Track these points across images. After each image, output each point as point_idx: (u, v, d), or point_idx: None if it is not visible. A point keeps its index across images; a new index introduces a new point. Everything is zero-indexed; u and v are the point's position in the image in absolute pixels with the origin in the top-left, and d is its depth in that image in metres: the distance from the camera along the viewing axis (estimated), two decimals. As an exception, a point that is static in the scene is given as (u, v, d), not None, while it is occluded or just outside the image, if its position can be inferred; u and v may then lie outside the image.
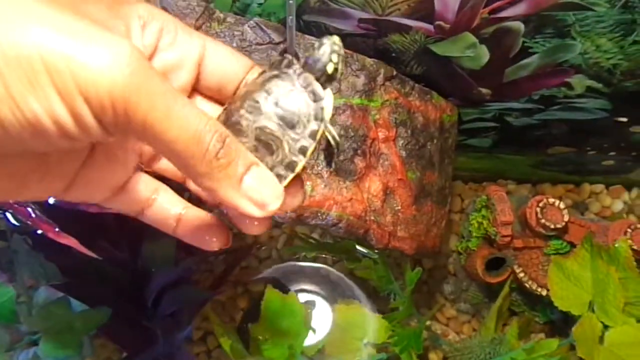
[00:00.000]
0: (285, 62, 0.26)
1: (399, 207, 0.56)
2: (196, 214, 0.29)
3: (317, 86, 0.26)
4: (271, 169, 0.25)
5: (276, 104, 0.25)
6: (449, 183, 0.65)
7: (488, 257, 0.68)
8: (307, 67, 0.26)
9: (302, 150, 0.25)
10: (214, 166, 0.22)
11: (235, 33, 0.51)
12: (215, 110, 0.28)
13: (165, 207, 0.28)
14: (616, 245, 0.57)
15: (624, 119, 0.67)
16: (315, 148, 0.26)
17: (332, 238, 0.71)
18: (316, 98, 0.25)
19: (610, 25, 0.52)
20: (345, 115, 0.52)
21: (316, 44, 0.27)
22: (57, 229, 0.50)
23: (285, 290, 0.65)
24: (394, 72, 0.57)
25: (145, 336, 0.59)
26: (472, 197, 0.78)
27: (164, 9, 0.48)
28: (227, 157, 0.22)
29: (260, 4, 0.53)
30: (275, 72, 0.26)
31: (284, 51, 0.52)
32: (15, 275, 0.64)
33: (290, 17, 0.48)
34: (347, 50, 0.54)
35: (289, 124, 0.25)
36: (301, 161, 0.25)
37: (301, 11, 0.53)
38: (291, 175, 0.25)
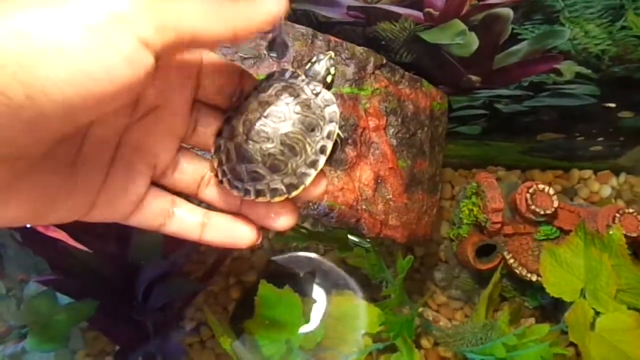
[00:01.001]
0: (288, 73, 0.29)
1: (391, 196, 0.56)
2: (220, 217, 0.30)
3: (326, 93, 0.29)
4: (296, 168, 0.28)
5: (296, 111, 0.28)
6: (439, 171, 0.65)
7: (478, 243, 0.68)
8: (308, 78, 0.30)
9: (322, 150, 0.29)
10: (231, 17, 0.23)
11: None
12: (216, 114, 0.30)
13: (187, 216, 0.29)
14: (610, 232, 0.58)
15: (613, 105, 0.67)
16: (332, 146, 0.29)
17: (323, 227, 0.71)
18: (328, 103, 0.29)
19: (599, 11, 0.52)
20: (336, 104, 0.52)
21: (314, 59, 0.30)
22: (45, 223, 0.49)
23: (279, 283, 0.65)
24: (384, 61, 0.56)
25: (137, 329, 0.59)
26: (463, 184, 0.79)
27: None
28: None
29: None
30: (284, 84, 0.29)
31: (273, 40, 0.52)
32: (4, 269, 0.63)
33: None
34: (336, 39, 0.53)
35: (309, 127, 0.28)
36: (322, 159, 0.29)
37: (289, -1, 0.53)
38: (314, 172, 0.29)
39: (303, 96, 0.28)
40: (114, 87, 0.20)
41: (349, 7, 0.54)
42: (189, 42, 0.22)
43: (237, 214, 0.30)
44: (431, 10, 0.53)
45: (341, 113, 0.52)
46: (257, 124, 0.28)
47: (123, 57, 0.20)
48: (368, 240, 0.63)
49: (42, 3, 0.19)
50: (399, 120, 0.57)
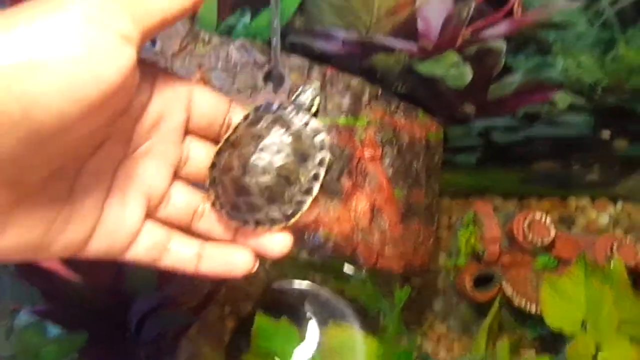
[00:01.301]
0: (275, 105, 0.30)
1: (387, 226, 0.56)
2: (215, 247, 0.30)
3: (314, 122, 0.30)
4: (292, 196, 0.29)
5: (288, 143, 0.29)
6: (435, 200, 0.65)
7: (476, 273, 0.68)
8: (295, 108, 0.31)
9: (316, 177, 0.30)
10: None
11: (221, 54, 0.51)
12: (207, 147, 0.30)
13: (182, 249, 0.30)
14: (611, 264, 0.57)
15: (607, 134, 0.68)
16: (325, 172, 0.30)
17: (320, 258, 0.71)
18: (317, 132, 0.30)
19: (590, 43, 0.53)
20: (332, 135, 0.52)
21: (300, 89, 0.32)
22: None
23: (276, 314, 0.64)
24: (379, 91, 0.57)
25: (131, 361, 0.58)
26: (460, 214, 0.79)
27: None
28: None
29: (246, 25, 0.54)
30: (274, 116, 0.30)
31: (269, 71, 0.52)
32: (-3, 300, 0.63)
33: (275, 38, 0.48)
34: (332, 70, 0.54)
35: (302, 158, 0.29)
36: (316, 186, 0.30)
37: (286, 32, 0.54)
38: (310, 199, 0.30)
39: (293, 127, 0.29)
40: (103, 88, 0.20)
41: (345, 40, 0.54)
42: (160, 24, 0.23)
43: (232, 243, 0.31)
44: (425, 42, 0.54)
45: (337, 143, 0.53)
46: (253, 157, 0.29)
47: (107, 56, 0.20)
48: (364, 270, 0.62)
49: (23, 18, 0.19)
50: (395, 150, 0.57)
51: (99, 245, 0.27)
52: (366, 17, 0.52)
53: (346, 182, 0.53)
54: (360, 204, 0.54)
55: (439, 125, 0.64)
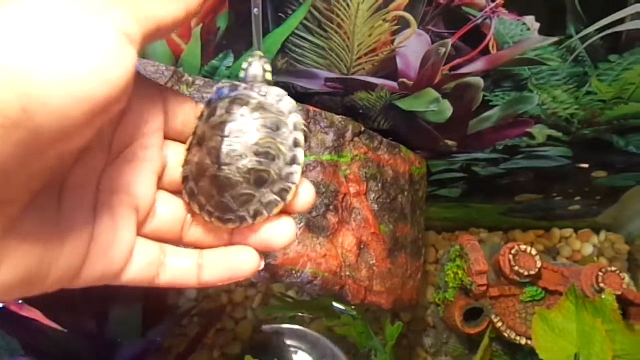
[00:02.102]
0: (226, 89, 0.28)
1: (374, 261, 0.56)
2: (215, 253, 0.28)
3: (274, 89, 0.28)
4: (280, 171, 0.27)
5: (254, 118, 0.27)
6: (422, 234, 0.65)
7: (465, 307, 0.67)
8: (249, 84, 0.28)
9: (296, 143, 0.28)
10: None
11: (205, 95, 0.52)
12: (179, 148, 0.29)
13: (180, 261, 0.28)
14: (602, 296, 0.57)
15: (586, 165, 0.70)
16: (304, 137, 0.28)
17: (308, 295, 0.70)
18: (280, 97, 0.28)
19: (564, 78, 0.55)
20: (316, 171, 0.53)
21: (245, 64, 0.29)
22: (19, 301, 0.47)
23: (265, 356, 0.63)
24: (362, 128, 0.58)
25: (115, 411, 0.55)
26: (446, 247, 0.79)
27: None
28: None
29: (229, 66, 0.55)
30: (229, 99, 0.27)
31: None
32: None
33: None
34: (315, 108, 0.55)
35: (274, 127, 0.27)
36: (300, 151, 0.28)
37: (269, 72, 0.55)
38: (299, 168, 0.27)
39: (253, 101, 0.27)
40: (106, 87, 0.19)
41: (327, 79, 0.56)
42: (156, 31, 0.22)
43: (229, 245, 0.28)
44: (405, 80, 0.55)
45: (322, 180, 0.53)
46: (223, 146, 0.26)
47: (113, 55, 0.19)
48: (353, 307, 0.62)
49: (23, 12, 0.19)
50: (379, 185, 0.58)
51: (95, 267, 0.25)
52: (346, 56, 0.53)
53: (332, 218, 0.53)
54: (347, 239, 0.54)
55: (421, 159, 0.65)
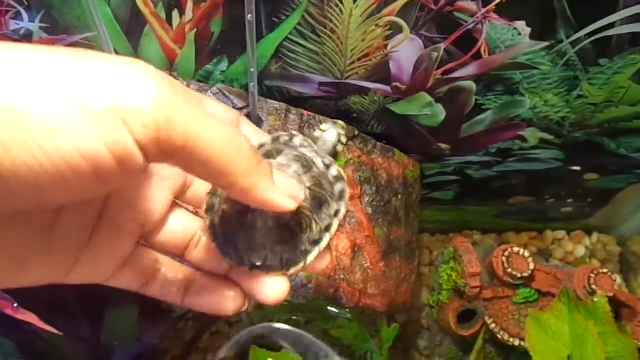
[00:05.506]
0: (297, 140, 0.27)
1: (368, 264, 0.56)
2: (205, 280, 0.28)
3: (335, 168, 0.27)
4: (299, 244, 0.26)
5: (307, 185, 0.26)
6: (415, 237, 0.65)
7: (459, 309, 0.68)
8: (318, 148, 0.28)
9: (328, 228, 0.27)
10: (252, 164, 0.21)
11: (199, 100, 0.52)
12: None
13: (171, 276, 0.27)
14: (595, 299, 0.58)
15: (577, 168, 0.70)
16: (339, 225, 0.27)
17: (303, 299, 0.70)
18: (338, 180, 0.27)
19: (555, 82, 0.55)
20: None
21: (323, 126, 0.29)
22: (15, 305, 0.47)
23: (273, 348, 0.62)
24: (356, 132, 0.58)
25: (110, 415, 0.55)
26: (440, 249, 0.79)
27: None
28: (258, 156, 0.22)
29: (223, 71, 0.55)
30: (295, 154, 0.26)
31: (248, 115, 0.53)
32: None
33: (252, 83, 0.50)
34: (309, 112, 0.55)
35: (319, 204, 0.26)
36: (326, 238, 0.27)
37: (263, 77, 0.55)
38: (317, 251, 0.27)
39: (315, 169, 0.26)
40: (89, 175, 0.18)
41: (321, 83, 0.56)
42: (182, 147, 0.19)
43: (224, 277, 0.28)
44: (398, 84, 0.56)
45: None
46: None
47: (110, 150, 0.18)
48: (348, 310, 0.62)
49: (42, 74, 0.17)
50: (374, 189, 0.58)
51: (83, 272, 0.25)
52: (340, 61, 0.53)
53: (326, 222, 0.53)
54: (341, 243, 0.54)
55: (415, 162, 0.66)
